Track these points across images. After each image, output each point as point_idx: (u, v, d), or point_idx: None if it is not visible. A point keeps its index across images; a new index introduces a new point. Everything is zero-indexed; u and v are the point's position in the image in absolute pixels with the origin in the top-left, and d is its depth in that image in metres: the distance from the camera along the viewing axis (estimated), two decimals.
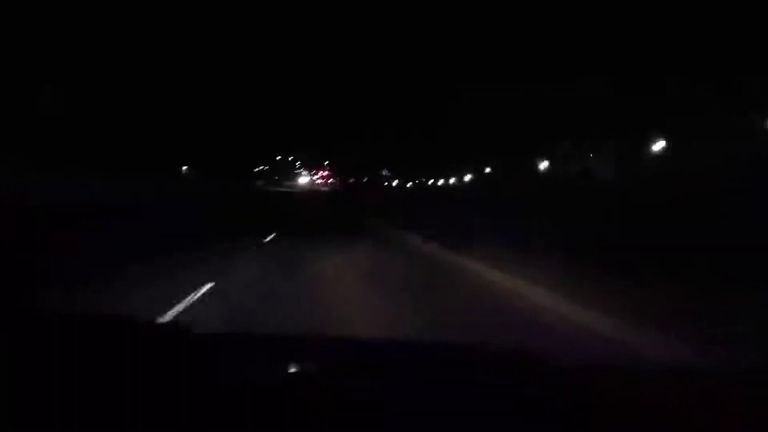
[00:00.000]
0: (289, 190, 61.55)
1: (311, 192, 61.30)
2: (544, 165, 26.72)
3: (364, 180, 72.72)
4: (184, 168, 46.48)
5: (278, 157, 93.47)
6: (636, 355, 4.04)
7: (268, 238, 14.27)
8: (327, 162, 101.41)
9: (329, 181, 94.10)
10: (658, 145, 17.49)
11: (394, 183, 65.23)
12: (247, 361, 1.46)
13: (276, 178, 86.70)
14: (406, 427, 0.98)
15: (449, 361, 1.51)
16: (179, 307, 5.64)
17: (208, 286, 6.77)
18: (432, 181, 49.79)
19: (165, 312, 5.36)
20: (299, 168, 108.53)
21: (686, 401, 1.17)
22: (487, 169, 34.09)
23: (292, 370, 1.50)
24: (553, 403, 1.12)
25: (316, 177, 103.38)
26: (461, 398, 1.12)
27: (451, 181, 43.47)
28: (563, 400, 1.14)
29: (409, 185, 58.58)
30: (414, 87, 44.29)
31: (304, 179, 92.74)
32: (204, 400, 1.06)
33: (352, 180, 75.29)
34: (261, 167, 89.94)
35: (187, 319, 4.38)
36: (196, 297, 6.20)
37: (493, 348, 1.69)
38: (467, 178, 39.01)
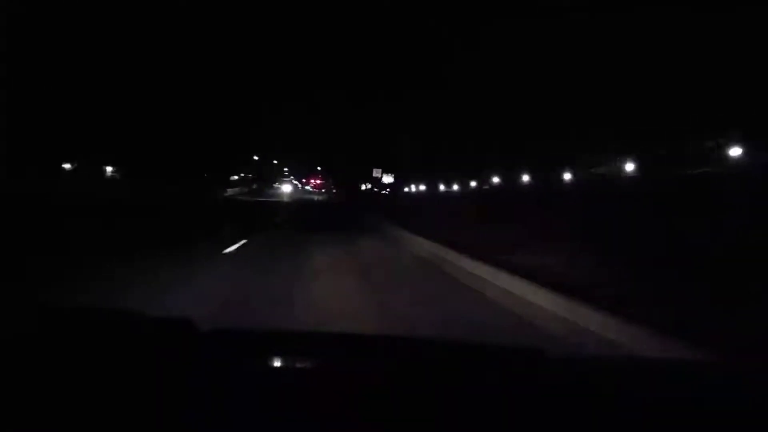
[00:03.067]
0: (270, 200, 47.11)
1: (302, 202, 47.37)
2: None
3: (367, 187, 60.47)
4: (110, 169, 33.18)
5: (255, 157, 78.58)
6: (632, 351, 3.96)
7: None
8: (319, 167, 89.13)
9: (323, 190, 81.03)
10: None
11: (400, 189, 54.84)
12: (247, 357, 1.42)
13: (254, 186, 71.49)
14: (408, 424, 0.97)
15: (450, 359, 1.50)
16: None
17: None
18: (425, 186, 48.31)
19: None
20: (288, 175, 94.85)
21: (683, 397, 1.16)
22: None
23: (293, 366, 1.47)
24: (551, 398, 1.11)
25: (307, 185, 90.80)
26: (462, 395, 1.12)
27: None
28: (562, 396, 1.13)
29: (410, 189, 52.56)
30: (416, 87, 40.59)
31: (291, 187, 77.69)
32: (206, 398, 1.03)
33: (369, 186, 61.30)
34: (243, 174, 76.39)
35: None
36: None
37: (492, 344, 1.74)
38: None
